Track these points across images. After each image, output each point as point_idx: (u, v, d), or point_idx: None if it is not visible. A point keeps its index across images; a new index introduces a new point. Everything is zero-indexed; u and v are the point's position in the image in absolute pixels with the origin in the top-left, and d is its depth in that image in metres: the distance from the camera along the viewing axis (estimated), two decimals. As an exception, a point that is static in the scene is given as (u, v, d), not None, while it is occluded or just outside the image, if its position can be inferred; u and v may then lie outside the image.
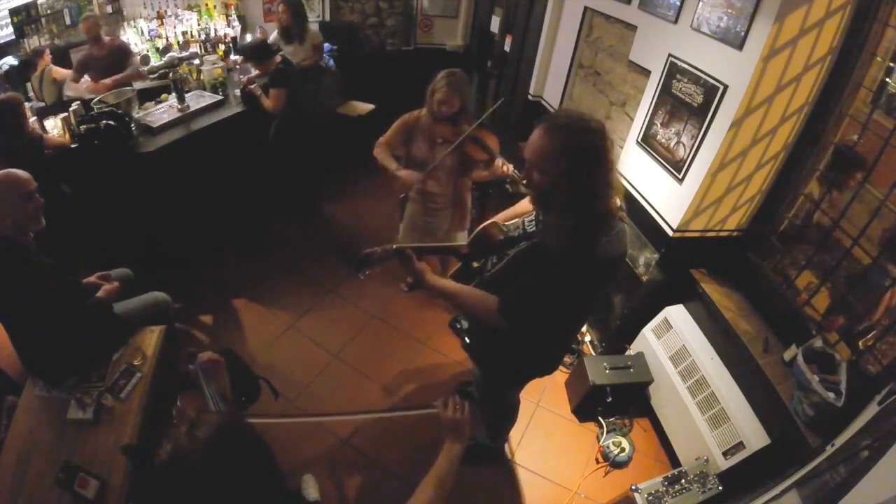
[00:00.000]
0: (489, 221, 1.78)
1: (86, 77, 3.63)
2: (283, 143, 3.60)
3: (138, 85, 3.84)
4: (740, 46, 1.97)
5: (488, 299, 1.47)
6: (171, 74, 3.69)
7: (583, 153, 1.31)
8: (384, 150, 2.60)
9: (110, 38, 3.71)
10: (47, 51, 3.61)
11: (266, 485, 1.02)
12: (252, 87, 3.52)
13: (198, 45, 4.43)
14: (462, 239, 2.52)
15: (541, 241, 1.47)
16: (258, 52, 3.45)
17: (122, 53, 3.76)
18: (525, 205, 1.87)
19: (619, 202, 1.44)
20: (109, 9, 4.07)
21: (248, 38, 4.72)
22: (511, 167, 2.47)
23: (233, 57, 4.33)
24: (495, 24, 4.82)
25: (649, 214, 2.53)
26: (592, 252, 1.36)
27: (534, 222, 1.58)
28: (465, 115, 2.56)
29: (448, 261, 2.65)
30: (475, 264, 1.75)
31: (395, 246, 1.55)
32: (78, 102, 3.14)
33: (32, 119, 3.00)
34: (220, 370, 1.54)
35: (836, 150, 2.11)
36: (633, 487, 2.16)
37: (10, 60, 3.51)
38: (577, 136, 1.31)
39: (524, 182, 1.43)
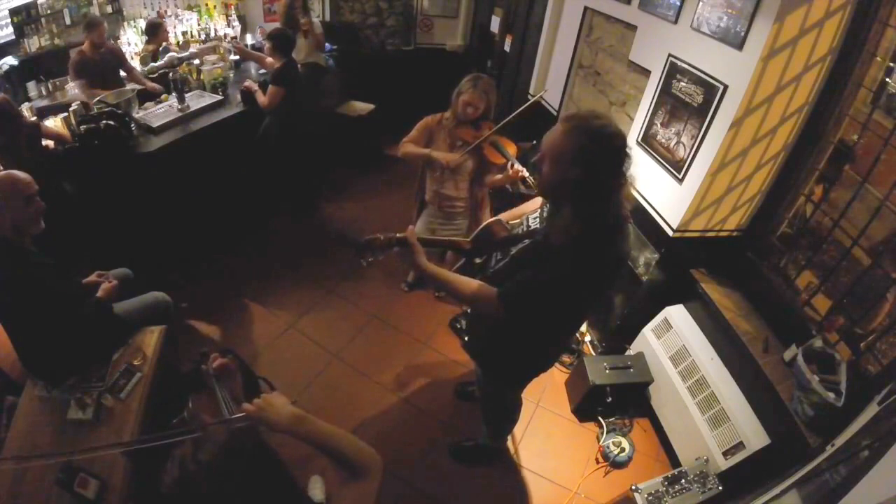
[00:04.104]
0: (493, 219, 1.78)
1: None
2: (272, 143, 3.60)
3: (138, 85, 3.84)
4: (740, 46, 1.97)
5: (488, 289, 1.47)
6: (171, 74, 3.69)
7: (596, 164, 1.29)
8: (410, 145, 2.64)
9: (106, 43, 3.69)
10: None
11: (278, 498, 1.00)
12: (248, 83, 3.52)
13: (198, 45, 4.43)
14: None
15: (544, 238, 1.47)
16: (283, 42, 3.43)
17: (117, 57, 3.73)
18: (529, 205, 1.87)
19: (626, 206, 1.43)
20: (109, 9, 4.07)
21: (249, 38, 4.72)
22: (526, 172, 2.47)
23: (232, 57, 4.33)
24: (495, 24, 4.83)
25: (649, 214, 2.54)
26: (598, 257, 1.36)
27: (538, 219, 1.58)
28: (488, 120, 2.58)
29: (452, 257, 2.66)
30: (478, 260, 1.76)
31: (398, 234, 1.54)
32: (78, 102, 3.14)
33: (33, 119, 3.00)
34: (234, 373, 1.54)
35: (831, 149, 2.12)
36: (633, 487, 2.16)
37: (10, 60, 3.50)
38: (596, 146, 1.29)
39: (534, 164, 1.41)
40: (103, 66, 3.60)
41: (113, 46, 3.76)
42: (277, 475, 1.02)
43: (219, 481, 0.93)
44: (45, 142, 2.83)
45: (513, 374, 1.88)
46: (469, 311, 2.50)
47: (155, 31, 4.07)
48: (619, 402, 2.58)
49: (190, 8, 4.50)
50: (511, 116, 2.61)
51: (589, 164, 1.29)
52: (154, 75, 3.94)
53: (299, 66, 3.99)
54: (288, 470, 1.05)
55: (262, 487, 0.97)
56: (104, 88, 3.44)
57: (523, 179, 2.44)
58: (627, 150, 1.33)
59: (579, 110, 1.42)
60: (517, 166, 2.46)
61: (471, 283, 1.51)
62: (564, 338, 1.85)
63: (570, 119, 1.34)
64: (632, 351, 2.79)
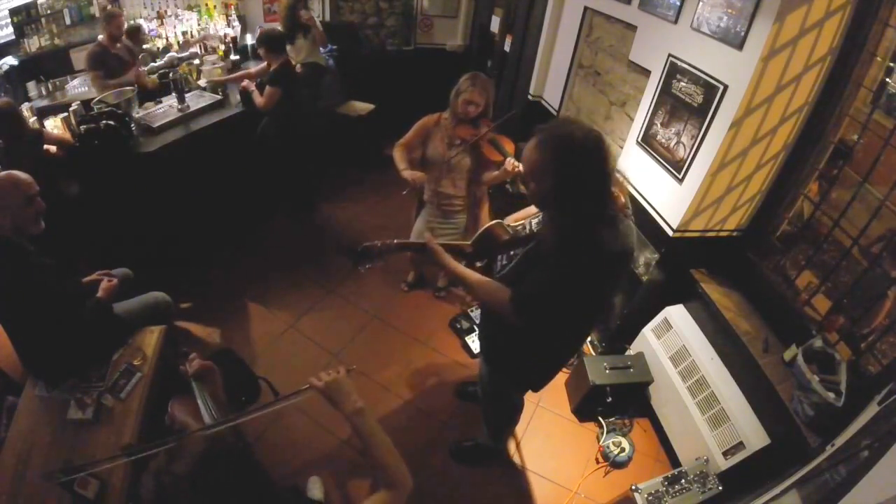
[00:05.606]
0: (494, 221, 1.78)
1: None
2: (270, 143, 3.60)
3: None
4: (740, 46, 1.97)
5: (503, 292, 1.49)
6: (171, 74, 3.70)
7: (568, 170, 1.33)
8: (400, 150, 2.64)
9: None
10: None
11: (257, 499, 1.00)
12: (246, 83, 3.53)
13: (198, 45, 4.43)
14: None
15: (538, 244, 1.51)
16: (275, 42, 3.44)
17: (132, 55, 3.77)
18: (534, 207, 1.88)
19: (623, 199, 1.46)
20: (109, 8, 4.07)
21: (248, 38, 4.72)
22: (522, 167, 2.47)
23: (232, 56, 4.33)
24: (495, 24, 4.83)
25: (649, 214, 2.53)
26: (590, 249, 1.37)
27: (541, 223, 1.60)
28: (486, 118, 2.59)
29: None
30: (479, 264, 1.76)
31: (395, 241, 1.55)
32: (78, 102, 3.14)
33: (32, 119, 3.01)
34: (214, 374, 1.52)
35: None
36: (633, 487, 2.16)
37: (10, 60, 3.51)
38: (564, 154, 1.33)
39: (522, 180, 1.46)
40: (119, 61, 3.62)
41: (129, 44, 3.79)
42: (258, 482, 1.01)
43: (196, 492, 0.92)
44: (46, 147, 2.83)
45: (521, 375, 1.88)
46: (480, 311, 2.50)
47: (135, 35, 4.02)
48: (618, 402, 2.58)
49: (190, 8, 4.49)
50: (507, 115, 2.61)
51: (561, 173, 1.33)
52: (154, 75, 3.95)
53: (299, 66, 4.00)
54: (269, 476, 1.04)
55: (242, 495, 0.97)
56: (115, 85, 3.45)
57: (521, 175, 2.44)
58: (603, 147, 1.35)
59: (556, 120, 1.47)
60: (515, 162, 2.46)
61: (488, 284, 1.55)
62: (576, 341, 1.85)
63: (538, 132, 1.39)
64: (632, 351, 2.79)
